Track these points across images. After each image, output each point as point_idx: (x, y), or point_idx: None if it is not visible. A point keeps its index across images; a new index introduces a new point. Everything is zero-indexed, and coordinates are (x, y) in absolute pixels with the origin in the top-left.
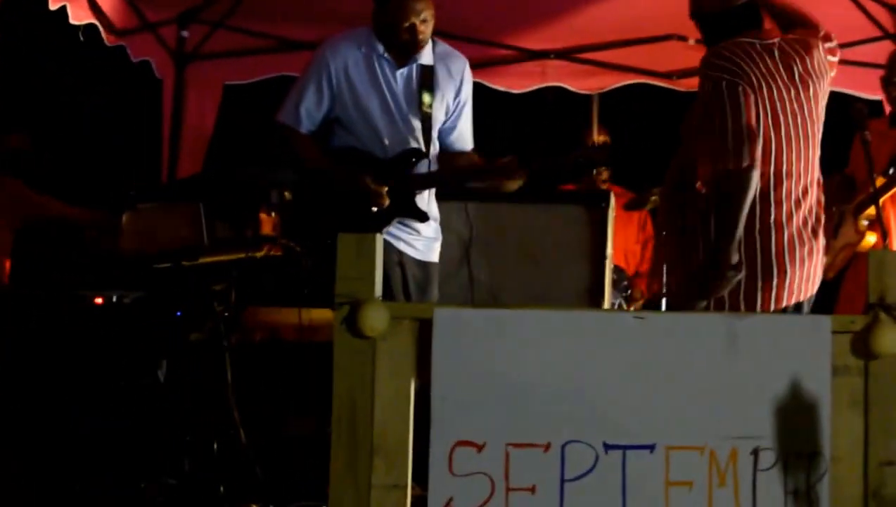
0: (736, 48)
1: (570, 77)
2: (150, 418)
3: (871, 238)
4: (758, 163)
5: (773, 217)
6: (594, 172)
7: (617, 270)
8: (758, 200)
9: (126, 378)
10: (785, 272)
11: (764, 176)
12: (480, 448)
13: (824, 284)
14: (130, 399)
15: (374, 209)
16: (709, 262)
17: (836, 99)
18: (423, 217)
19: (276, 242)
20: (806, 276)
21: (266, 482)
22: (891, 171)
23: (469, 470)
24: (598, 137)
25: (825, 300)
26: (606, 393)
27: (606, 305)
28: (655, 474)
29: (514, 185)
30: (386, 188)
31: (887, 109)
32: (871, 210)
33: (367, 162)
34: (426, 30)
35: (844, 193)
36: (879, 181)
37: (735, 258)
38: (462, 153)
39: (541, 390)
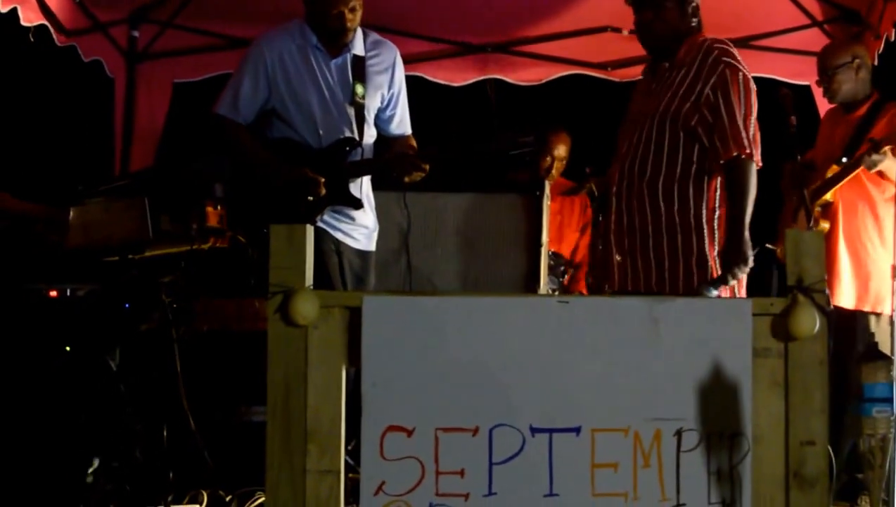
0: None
1: (509, 69)
2: (102, 407)
3: (824, 225)
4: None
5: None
6: (535, 164)
7: (554, 255)
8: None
9: (78, 368)
10: None
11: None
12: (411, 433)
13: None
14: (83, 389)
15: (310, 198)
16: (729, 248)
17: (764, 85)
18: (357, 204)
19: (223, 234)
20: None
21: (215, 469)
22: (843, 159)
23: (400, 454)
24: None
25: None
26: (533, 377)
27: (543, 290)
28: (581, 456)
29: (417, 175)
30: (323, 179)
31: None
32: (825, 197)
33: (302, 152)
34: (354, 18)
35: (800, 178)
36: (832, 169)
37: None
38: (402, 137)
39: (469, 376)
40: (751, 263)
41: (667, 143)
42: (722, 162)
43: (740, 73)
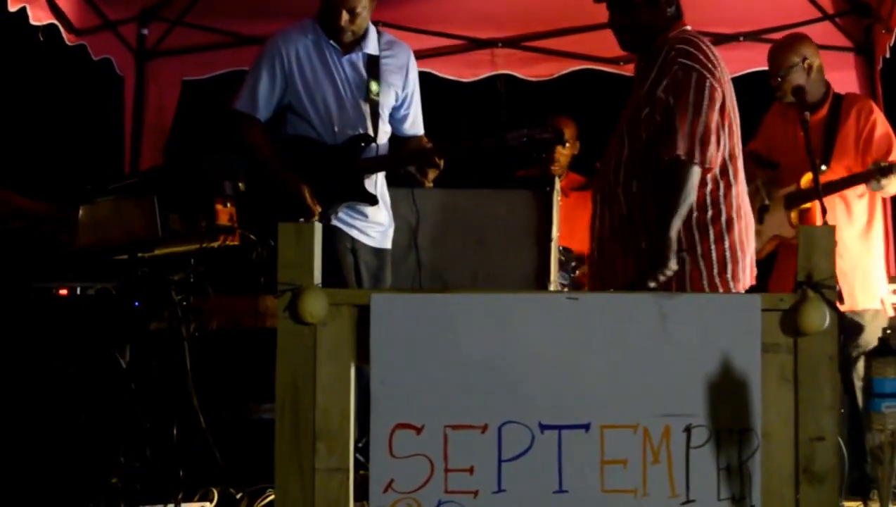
0: (704, 39)
1: (519, 65)
2: (112, 406)
3: None
4: (710, 162)
5: (734, 208)
6: (547, 156)
7: (564, 251)
8: (723, 190)
9: (88, 366)
10: (745, 256)
11: (730, 169)
12: (419, 430)
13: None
14: (93, 387)
15: (301, 220)
16: (652, 250)
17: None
18: (372, 200)
19: (233, 231)
20: (752, 261)
21: (225, 466)
22: (823, 167)
23: (409, 452)
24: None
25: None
26: (542, 374)
27: (553, 286)
28: (591, 452)
29: (432, 171)
30: (319, 208)
31: None
32: (805, 204)
33: (318, 148)
34: (353, 20)
35: (756, 169)
36: (809, 176)
37: (674, 246)
38: (415, 137)
39: (478, 372)
40: (672, 266)
41: (638, 149)
42: (662, 162)
43: (694, 74)
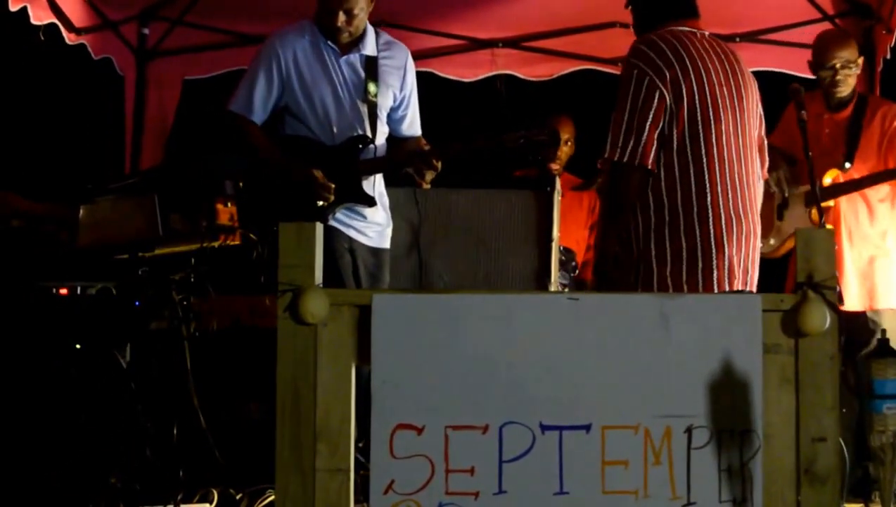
0: (669, 37)
1: (520, 65)
2: (112, 406)
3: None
4: (642, 159)
5: (696, 207)
6: (544, 156)
7: (565, 251)
8: (684, 185)
9: (88, 366)
10: (713, 258)
11: (697, 161)
12: (420, 431)
13: (774, 263)
14: (93, 386)
15: (320, 203)
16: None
17: (775, 79)
18: (370, 202)
19: (233, 231)
20: (730, 261)
21: (226, 467)
22: (847, 165)
23: (409, 452)
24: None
25: (776, 280)
26: (543, 374)
27: (554, 286)
28: (592, 453)
29: (430, 174)
30: (333, 186)
31: None
32: (827, 202)
33: (316, 149)
34: (350, 21)
35: (780, 161)
36: (832, 173)
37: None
38: (412, 138)
39: (479, 373)
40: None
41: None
42: (601, 165)
43: (634, 71)
